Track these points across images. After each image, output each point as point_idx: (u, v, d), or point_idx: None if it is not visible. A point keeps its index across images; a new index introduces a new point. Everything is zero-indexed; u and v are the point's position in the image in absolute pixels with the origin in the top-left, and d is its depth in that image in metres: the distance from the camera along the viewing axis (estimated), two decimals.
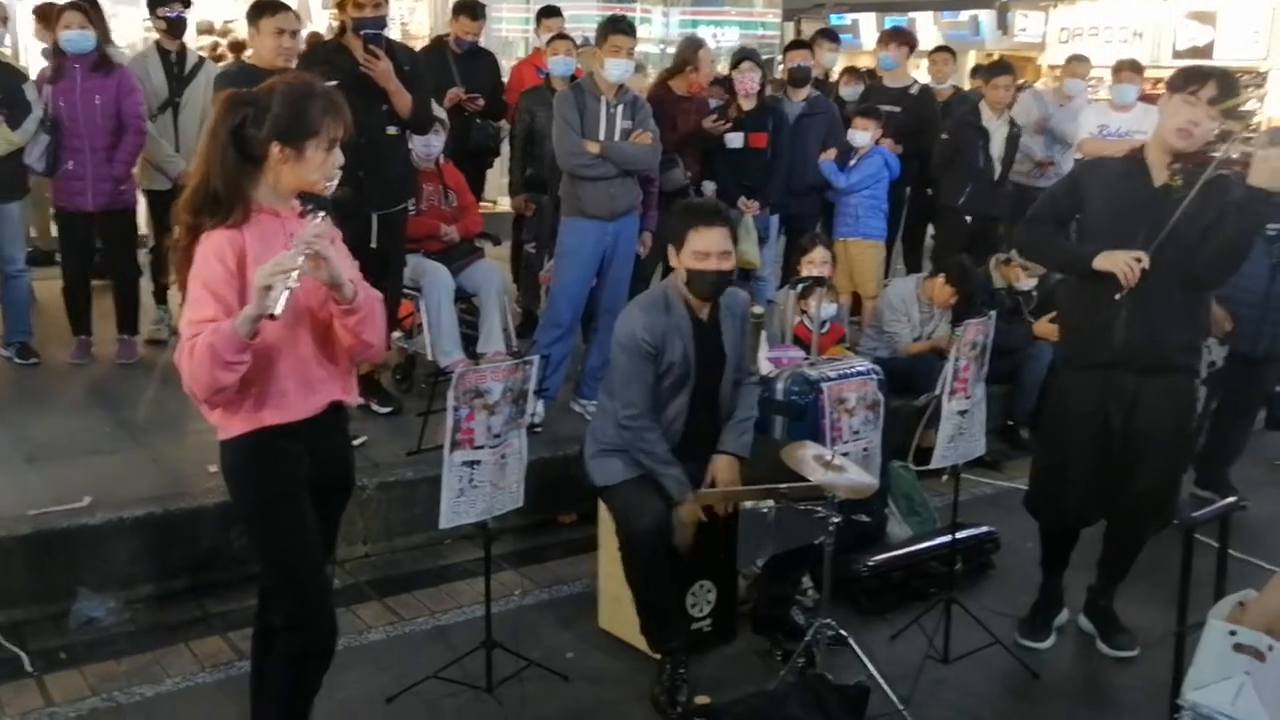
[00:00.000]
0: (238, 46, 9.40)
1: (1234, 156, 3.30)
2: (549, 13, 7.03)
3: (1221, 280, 3.55)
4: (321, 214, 2.37)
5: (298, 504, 2.54)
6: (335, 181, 2.48)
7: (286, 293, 2.20)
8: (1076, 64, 7.49)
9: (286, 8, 4.37)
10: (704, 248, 3.41)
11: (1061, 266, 3.64)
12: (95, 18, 5.24)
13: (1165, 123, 3.40)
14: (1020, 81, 7.57)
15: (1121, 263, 3.31)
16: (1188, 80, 3.35)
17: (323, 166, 2.45)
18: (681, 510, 3.41)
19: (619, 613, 3.69)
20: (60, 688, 3.35)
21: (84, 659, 3.50)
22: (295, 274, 2.22)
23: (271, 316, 2.22)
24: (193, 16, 6.27)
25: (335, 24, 8.45)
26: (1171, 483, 3.70)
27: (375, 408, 4.91)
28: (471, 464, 3.14)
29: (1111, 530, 3.78)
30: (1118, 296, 3.34)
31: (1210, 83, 3.30)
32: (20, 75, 5.22)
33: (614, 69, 4.70)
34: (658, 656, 3.47)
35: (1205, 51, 14.51)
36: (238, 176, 2.38)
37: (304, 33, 6.18)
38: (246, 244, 2.36)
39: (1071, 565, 3.93)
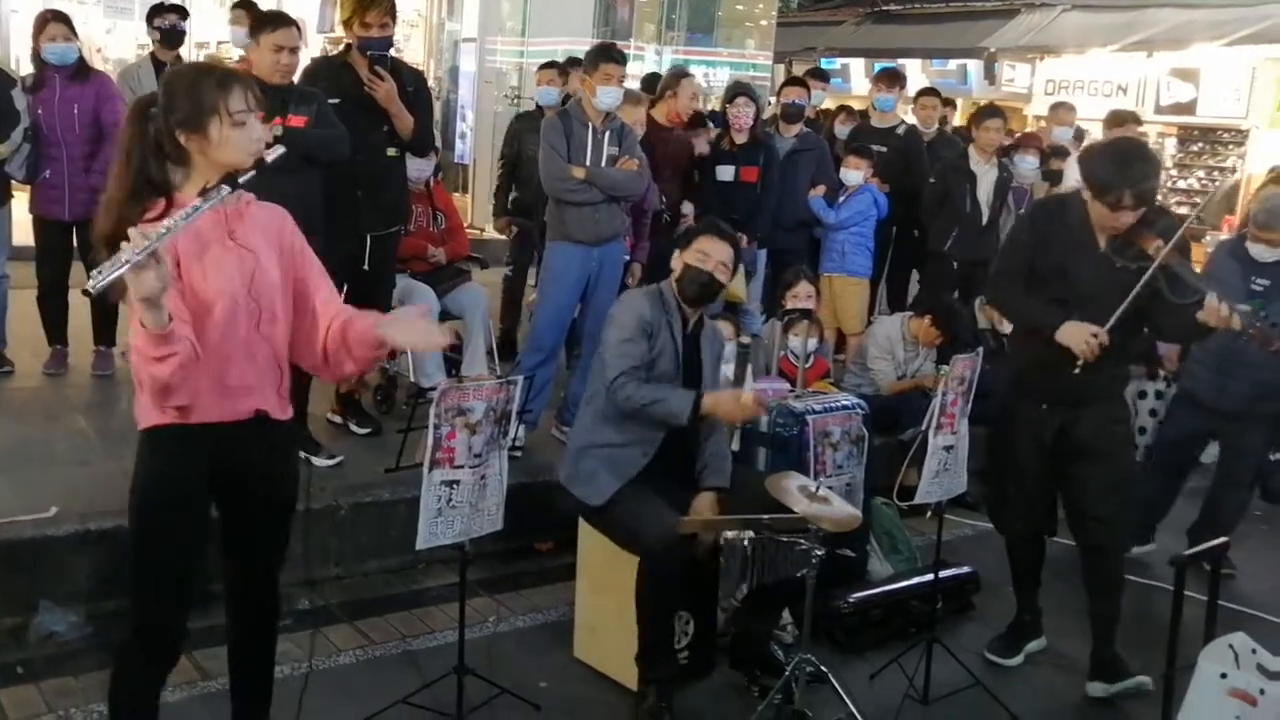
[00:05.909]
0: None
1: (1165, 263, 3.33)
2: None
3: (1187, 342, 3.94)
4: (227, 190, 2.22)
5: (182, 511, 2.46)
6: (273, 152, 2.33)
7: (116, 273, 2.03)
8: (1063, 112, 7.56)
9: (290, 24, 4.24)
10: (708, 250, 3.50)
11: (1027, 328, 3.68)
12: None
13: (1095, 212, 3.45)
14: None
15: (1081, 340, 3.38)
16: (1104, 190, 3.37)
17: (240, 143, 2.33)
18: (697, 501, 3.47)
19: (595, 643, 3.62)
20: (15, 704, 3.24)
21: (42, 674, 3.40)
22: (127, 257, 2.02)
23: (85, 293, 2.06)
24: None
25: (329, 48, 8.44)
26: (1118, 499, 3.70)
27: (354, 428, 4.86)
28: (451, 484, 3.08)
29: (1082, 563, 3.83)
30: (1075, 370, 3.41)
31: (1126, 194, 3.32)
32: (9, 81, 5.17)
33: (605, 96, 4.70)
34: (638, 687, 3.40)
35: (1188, 108, 14.72)
36: (162, 176, 2.32)
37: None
38: (179, 241, 2.24)
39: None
